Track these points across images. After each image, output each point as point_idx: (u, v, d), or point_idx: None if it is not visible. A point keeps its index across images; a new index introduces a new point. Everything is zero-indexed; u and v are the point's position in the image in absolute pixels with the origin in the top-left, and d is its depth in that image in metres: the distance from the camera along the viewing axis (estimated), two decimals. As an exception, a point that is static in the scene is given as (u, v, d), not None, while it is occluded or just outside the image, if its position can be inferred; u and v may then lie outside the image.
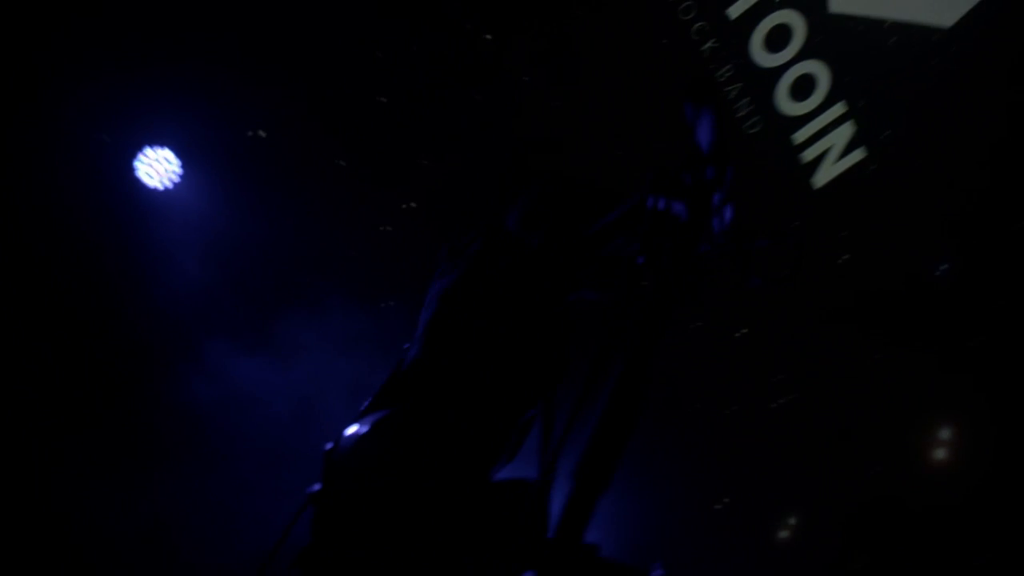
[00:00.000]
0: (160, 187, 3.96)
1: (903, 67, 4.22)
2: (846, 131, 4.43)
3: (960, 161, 4.18)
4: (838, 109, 4.40)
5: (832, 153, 4.48)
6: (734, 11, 4.28)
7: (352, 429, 2.06)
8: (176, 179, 4.00)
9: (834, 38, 4.30)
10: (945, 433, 4.74)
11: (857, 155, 4.47)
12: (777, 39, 4.32)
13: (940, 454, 4.74)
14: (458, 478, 2.06)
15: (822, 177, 4.52)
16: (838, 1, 4.25)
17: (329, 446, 2.07)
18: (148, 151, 3.98)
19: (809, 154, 4.50)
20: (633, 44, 4.26)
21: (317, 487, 2.04)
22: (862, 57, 4.31)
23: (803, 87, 4.38)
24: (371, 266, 4.28)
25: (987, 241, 4.28)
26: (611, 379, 1.63)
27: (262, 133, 4.17)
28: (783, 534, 5.03)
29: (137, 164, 4.07)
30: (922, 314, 4.39)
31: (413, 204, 4.41)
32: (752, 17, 4.28)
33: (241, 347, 4.09)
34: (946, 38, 4.15)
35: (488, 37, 4.21)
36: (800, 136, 4.48)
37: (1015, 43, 4.06)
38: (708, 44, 4.34)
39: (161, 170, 3.97)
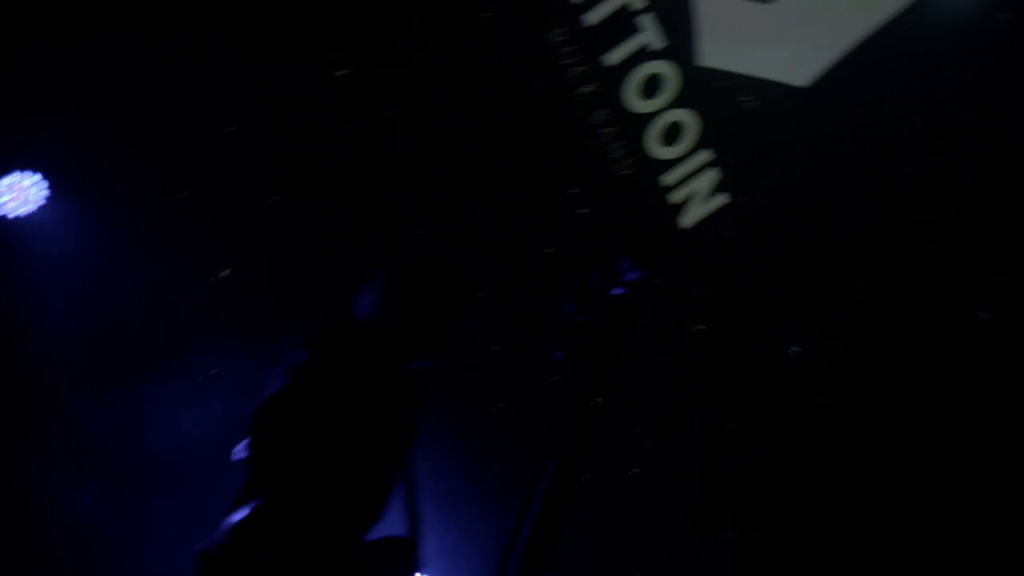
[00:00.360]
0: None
1: (765, 120, 4.52)
2: (711, 177, 4.70)
3: (815, 221, 4.50)
4: (704, 156, 4.66)
5: (698, 197, 4.74)
6: (611, 58, 4.46)
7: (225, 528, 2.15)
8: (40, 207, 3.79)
9: (703, 89, 4.56)
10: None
11: (721, 199, 4.74)
12: (651, 85, 4.53)
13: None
14: (336, 550, 2.20)
15: (689, 219, 4.77)
16: (707, 55, 4.50)
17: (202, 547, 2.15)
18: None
19: (676, 196, 4.74)
20: (511, 87, 4.37)
21: None
22: (728, 108, 4.59)
23: (673, 134, 4.61)
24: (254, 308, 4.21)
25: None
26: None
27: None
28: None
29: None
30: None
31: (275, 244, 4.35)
32: (627, 65, 4.47)
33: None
34: (805, 96, 4.48)
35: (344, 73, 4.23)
36: (668, 179, 4.72)
37: (870, 101, 4.44)
38: (585, 88, 4.50)
39: (23, 198, 3.75)
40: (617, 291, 1.85)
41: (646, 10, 4.39)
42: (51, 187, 3.89)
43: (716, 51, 4.49)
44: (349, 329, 2.39)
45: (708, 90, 4.54)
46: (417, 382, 2.48)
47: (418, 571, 2.38)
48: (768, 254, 4.61)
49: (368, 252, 4.06)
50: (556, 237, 4.70)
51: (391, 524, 2.37)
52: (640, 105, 4.55)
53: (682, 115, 4.58)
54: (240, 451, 2.21)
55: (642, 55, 4.47)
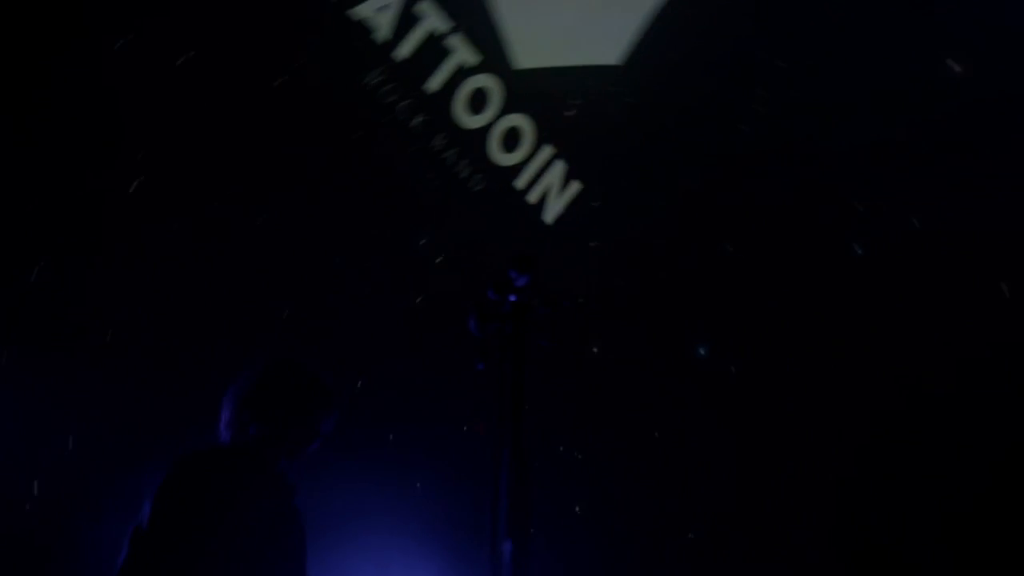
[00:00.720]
0: None
1: (592, 105, 4.69)
2: (559, 169, 4.84)
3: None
4: (547, 151, 4.80)
5: (553, 191, 4.87)
6: (431, 85, 4.54)
7: None
8: None
9: (528, 89, 4.69)
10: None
11: (575, 187, 4.89)
12: (478, 100, 4.63)
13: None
14: None
15: (550, 214, 4.89)
16: (521, 58, 4.64)
17: None
18: None
19: (533, 196, 4.86)
20: (337, 141, 4.37)
21: None
22: (555, 100, 4.73)
23: (512, 139, 4.73)
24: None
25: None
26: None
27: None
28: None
29: None
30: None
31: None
32: (449, 87, 4.56)
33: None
34: (622, 74, 4.67)
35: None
36: (520, 182, 4.83)
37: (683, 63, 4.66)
38: (417, 119, 4.56)
39: None
40: (512, 298, 2.10)
41: (453, 31, 4.50)
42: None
43: (528, 53, 4.64)
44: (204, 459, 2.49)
45: (532, 90, 4.68)
46: (284, 482, 2.62)
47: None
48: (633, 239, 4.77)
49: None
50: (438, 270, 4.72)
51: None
52: (473, 121, 4.65)
53: (515, 120, 4.71)
54: None
55: (461, 74, 4.57)
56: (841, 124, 4.56)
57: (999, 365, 4.42)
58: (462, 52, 4.55)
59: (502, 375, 2.06)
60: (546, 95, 4.71)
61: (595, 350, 4.85)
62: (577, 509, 4.70)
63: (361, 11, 4.30)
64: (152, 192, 4.08)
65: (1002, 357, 4.42)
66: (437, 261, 4.68)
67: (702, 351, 4.85)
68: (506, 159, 4.76)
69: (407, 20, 4.40)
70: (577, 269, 4.72)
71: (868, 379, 4.56)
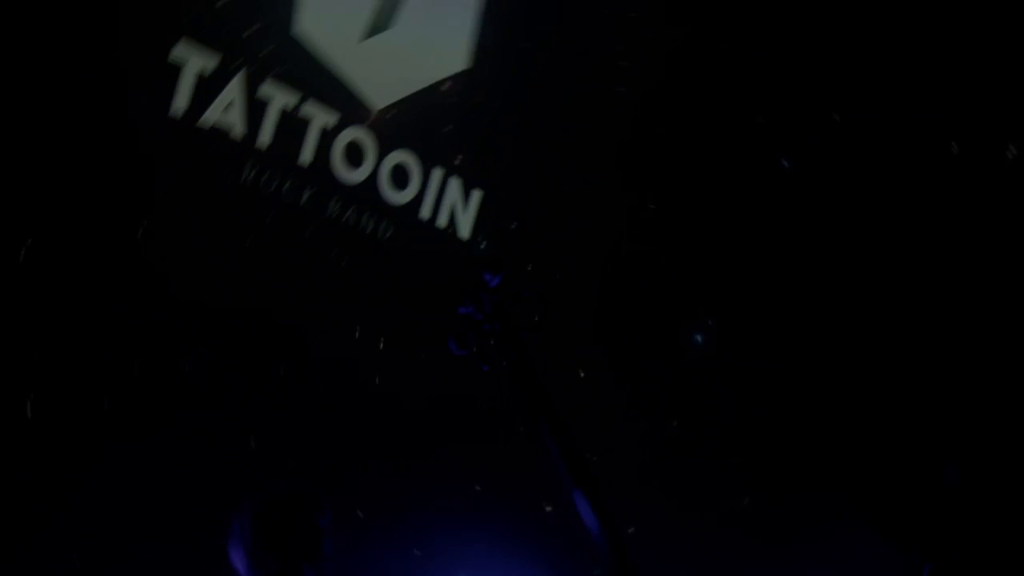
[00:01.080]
0: None
1: (464, 115, 4.74)
2: (455, 185, 4.88)
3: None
4: (439, 174, 4.83)
5: (458, 207, 4.91)
6: (305, 158, 4.51)
7: None
8: None
9: (396, 124, 4.70)
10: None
11: (477, 195, 4.95)
12: (353, 154, 4.63)
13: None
14: None
15: (463, 230, 4.94)
16: (378, 98, 4.65)
17: None
18: None
19: (442, 220, 4.89)
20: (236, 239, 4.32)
21: None
22: (428, 124, 4.77)
23: (400, 176, 4.74)
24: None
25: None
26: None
27: None
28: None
29: None
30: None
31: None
32: (323, 152, 4.54)
33: None
34: (476, 75, 4.73)
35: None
36: (425, 211, 4.85)
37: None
38: (304, 195, 4.53)
39: None
40: (493, 299, 2.29)
41: (302, 100, 4.45)
42: None
43: (381, 91, 4.64)
44: None
45: (401, 124, 4.70)
46: None
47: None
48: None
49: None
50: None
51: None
52: (358, 175, 4.64)
53: (396, 157, 4.72)
54: None
55: (327, 136, 4.54)
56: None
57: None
58: (320, 116, 4.51)
59: (509, 373, 2.22)
60: (416, 123, 4.73)
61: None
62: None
63: (209, 118, 4.23)
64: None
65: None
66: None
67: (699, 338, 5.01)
68: (403, 197, 4.78)
69: (256, 108, 4.35)
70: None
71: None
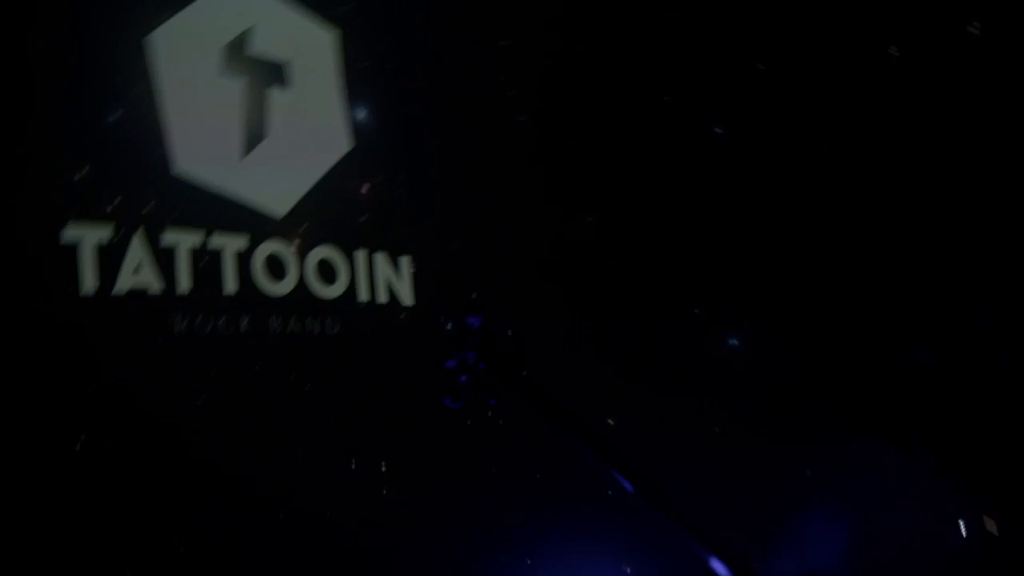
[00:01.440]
0: None
1: (365, 192, 4.76)
2: (384, 261, 4.88)
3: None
4: (363, 255, 4.82)
5: (392, 280, 4.90)
6: (229, 288, 4.45)
7: None
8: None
9: (306, 224, 4.68)
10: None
11: (406, 262, 4.95)
12: (275, 267, 4.58)
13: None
14: None
15: (406, 298, 4.93)
16: (279, 207, 4.63)
17: None
18: None
19: (381, 295, 4.87)
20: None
21: None
22: (335, 214, 4.76)
23: (327, 271, 4.71)
24: None
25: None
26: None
27: None
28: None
29: None
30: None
31: None
32: (244, 277, 4.48)
33: None
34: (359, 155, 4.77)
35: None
36: (363, 295, 4.83)
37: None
38: (243, 324, 4.47)
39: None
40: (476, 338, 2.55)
41: (208, 235, 4.38)
42: None
43: (280, 198, 4.62)
44: None
45: (309, 223, 4.68)
46: None
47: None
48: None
49: None
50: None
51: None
52: (285, 285, 4.60)
53: (318, 255, 4.70)
54: None
55: (243, 258, 4.49)
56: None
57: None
58: (229, 243, 4.45)
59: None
60: (323, 215, 4.72)
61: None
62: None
63: (123, 285, 4.15)
64: None
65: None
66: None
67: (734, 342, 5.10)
68: (337, 289, 4.75)
69: (165, 259, 4.27)
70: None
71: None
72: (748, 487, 4.98)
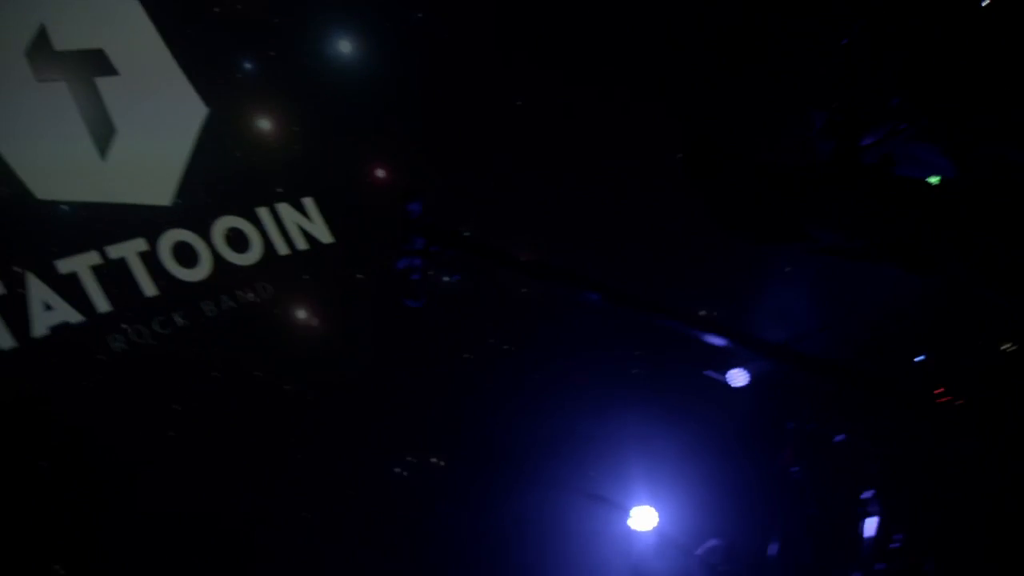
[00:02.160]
0: None
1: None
2: (288, 209, 4.69)
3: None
4: (266, 212, 4.62)
5: (304, 225, 4.73)
6: (148, 291, 4.20)
7: None
8: None
9: (196, 202, 4.44)
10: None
11: (310, 203, 4.77)
12: (185, 254, 4.34)
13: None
14: None
15: (323, 237, 4.78)
16: (162, 195, 4.37)
17: None
18: None
19: (300, 243, 4.70)
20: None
21: None
22: (225, 182, 4.53)
23: (238, 239, 4.50)
24: None
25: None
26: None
27: None
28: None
29: None
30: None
31: None
32: (158, 274, 4.24)
33: None
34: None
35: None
36: (282, 249, 4.65)
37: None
38: (176, 317, 4.25)
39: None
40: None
41: (103, 249, 4.11)
42: None
43: (160, 187, 4.37)
44: None
45: (198, 200, 4.44)
46: None
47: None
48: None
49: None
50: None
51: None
52: (203, 268, 4.38)
53: (222, 225, 4.48)
54: None
55: (150, 258, 4.23)
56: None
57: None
58: (128, 248, 4.19)
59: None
60: (211, 187, 4.49)
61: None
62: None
63: (39, 327, 3.87)
64: None
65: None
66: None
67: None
68: (256, 252, 4.56)
69: (71, 288, 3.99)
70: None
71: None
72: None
